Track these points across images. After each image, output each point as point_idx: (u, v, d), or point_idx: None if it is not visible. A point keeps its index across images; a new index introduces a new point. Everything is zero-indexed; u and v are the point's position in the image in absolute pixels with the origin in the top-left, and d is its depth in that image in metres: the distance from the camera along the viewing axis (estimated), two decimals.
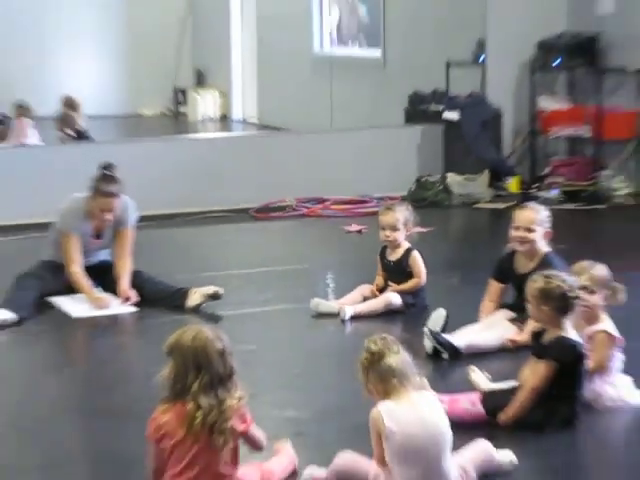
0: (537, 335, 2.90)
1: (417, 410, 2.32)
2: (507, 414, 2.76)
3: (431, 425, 2.30)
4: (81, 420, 3.18)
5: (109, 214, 4.25)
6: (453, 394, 2.84)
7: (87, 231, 4.28)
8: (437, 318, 3.48)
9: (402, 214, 4.02)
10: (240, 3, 10.33)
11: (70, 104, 7.17)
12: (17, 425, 2.99)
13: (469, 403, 2.84)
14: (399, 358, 2.35)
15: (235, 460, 2.29)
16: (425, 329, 3.42)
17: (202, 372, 2.22)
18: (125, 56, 10.31)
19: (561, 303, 2.82)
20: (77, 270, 4.34)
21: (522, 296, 3.20)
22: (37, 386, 3.47)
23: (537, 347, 2.88)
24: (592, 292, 2.99)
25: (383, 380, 2.33)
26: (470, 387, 3.01)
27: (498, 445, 2.63)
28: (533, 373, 2.80)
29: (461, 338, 3.41)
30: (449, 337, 3.41)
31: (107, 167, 4.30)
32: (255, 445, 2.37)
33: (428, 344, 3.25)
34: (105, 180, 4.25)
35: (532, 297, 2.89)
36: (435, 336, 3.34)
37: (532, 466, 2.71)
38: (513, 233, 3.55)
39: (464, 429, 2.63)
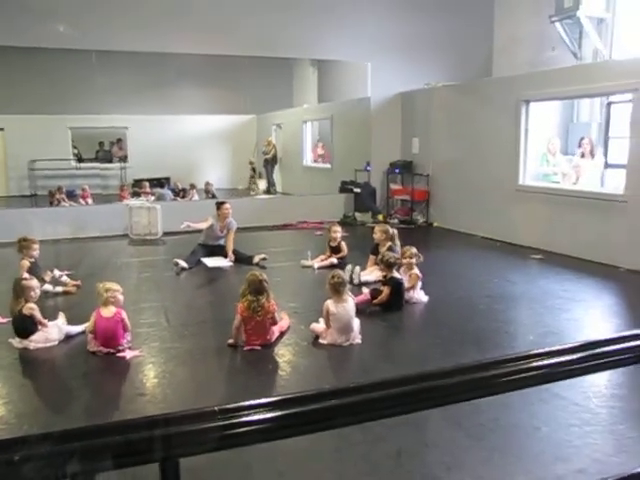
0: (385, 277, 4.67)
1: (344, 303, 3.78)
2: (378, 301, 4.53)
3: (349, 309, 3.82)
4: (210, 317, 4.59)
5: (228, 213, 6.40)
6: (357, 295, 4.52)
7: (218, 228, 6.58)
8: (352, 267, 5.38)
9: (340, 228, 6.34)
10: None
11: (209, 184, 10.87)
12: (178, 324, 4.34)
13: (363, 296, 4.64)
14: (344, 282, 3.87)
15: (270, 325, 3.74)
16: (347, 272, 5.09)
17: (250, 288, 3.72)
18: (230, 161, 13.07)
19: (391, 264, 4.57)
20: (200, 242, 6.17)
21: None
22: (194, 296, 5.18)
23: (385, 280, 4.63)
24: (411, 257, 4.82)
25: (335, 290, 3.87)
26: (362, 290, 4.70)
27: (376, 311, 4.45)
28: (384, 290, 4.57)
29: (361, 276, 5.27)
30: (358, 275, 5.20)
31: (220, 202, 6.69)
32: (275, 319, 3.79)
33: (348, 278, 4.68)
34: (220, 202, 6.66)
35: (381, 262, 4.64)
36: (351, 276, 5.18)
37: (382, 325, 4.31)
38: (374, 235, 5.55)
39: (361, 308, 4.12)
